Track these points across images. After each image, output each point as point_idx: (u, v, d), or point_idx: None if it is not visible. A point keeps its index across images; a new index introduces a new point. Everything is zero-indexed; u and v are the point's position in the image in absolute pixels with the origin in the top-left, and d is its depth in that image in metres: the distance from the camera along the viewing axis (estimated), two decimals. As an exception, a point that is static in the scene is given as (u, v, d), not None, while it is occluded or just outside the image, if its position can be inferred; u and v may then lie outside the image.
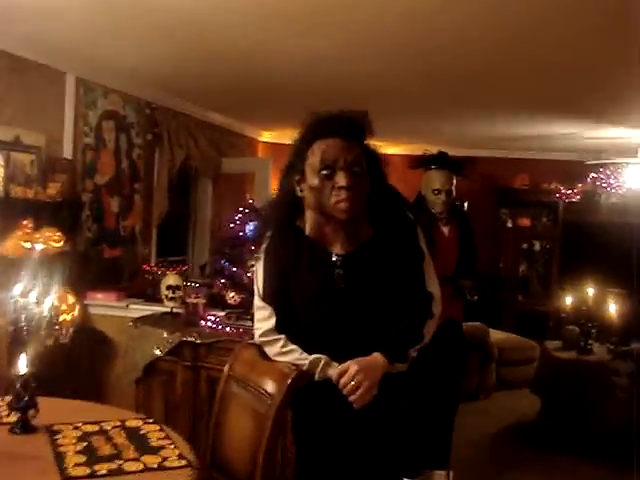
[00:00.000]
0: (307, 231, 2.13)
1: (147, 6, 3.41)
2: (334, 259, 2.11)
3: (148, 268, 4.59)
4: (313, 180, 2.03)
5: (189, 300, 4.07)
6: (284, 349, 2.15)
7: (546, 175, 8.45)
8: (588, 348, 5.04)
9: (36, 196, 3.99)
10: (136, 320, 4.09)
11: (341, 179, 1.98)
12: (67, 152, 4.57)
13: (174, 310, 4.19)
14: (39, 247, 4.01)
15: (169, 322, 4.06)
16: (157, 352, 3.86)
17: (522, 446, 4.99)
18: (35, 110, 4.28)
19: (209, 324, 3.89)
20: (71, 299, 4.25)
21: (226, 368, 2.38)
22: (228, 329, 3.80)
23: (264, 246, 2.21)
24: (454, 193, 3.90)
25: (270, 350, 2.18)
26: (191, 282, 4.23)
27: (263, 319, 2.20)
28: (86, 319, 4.47)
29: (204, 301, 4.08)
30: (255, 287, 2.25)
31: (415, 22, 3.49)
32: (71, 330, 4.11)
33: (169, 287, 4.15)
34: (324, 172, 2.00)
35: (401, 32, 3.68)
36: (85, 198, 4.78)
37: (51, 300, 3.88)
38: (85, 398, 4.35)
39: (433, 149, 4.03)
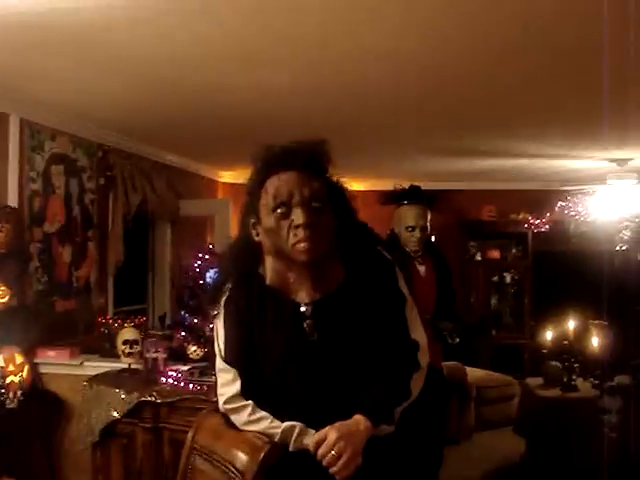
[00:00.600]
0: (267, 280, 1.87)
1: (87, 41, 3.16)
2: (302, 309, 1.85)
3: (103, 321, 4.26)
4: (268, 221, 1.78)
5: (148, 355, 3.76)
6: (252, 417, 1.86)
7: (513, 205, 8.33)
8: (572, 385, 4.83)
9: (-24, 249, 3.67)
10: (91, 379, 3.77)
11: (298, 216, 1.73)
12: (12, 199, 4.25)
13: (132, 366, 3.86)
14: (-18, 304, 3.70)
15: (127, 380, 3.74)
16: (114, 414, 3.55)
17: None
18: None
19: (170, 381, 3.58)
20: (19, 359, 3.94)
21: (188, 439, 2.08)
22: (191, 386, 3.49)
23: (223, 299, 1.94)
24: (429, 229, 3.65)
25: (237, 419, 1.89)
26: (149, 335, 3.92)
27: (226, 383, 1.91)
28: (37, 380, 4.12)
29: (164, 356, 3.79)
30: (216, 346, 1.97)
31: (372, 53, 3.33)
32: (19, 393, 3.78)
33: (126, 342, 3.82)
34: (279, 211, 1.76)
35: (357, 66, 3.55)
36: (33, 248, 4.45)
37: (-5, 362, 3.58)
38: (38, 466, 4.03)
39: (404, 183, 3.78)
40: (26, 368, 3.93)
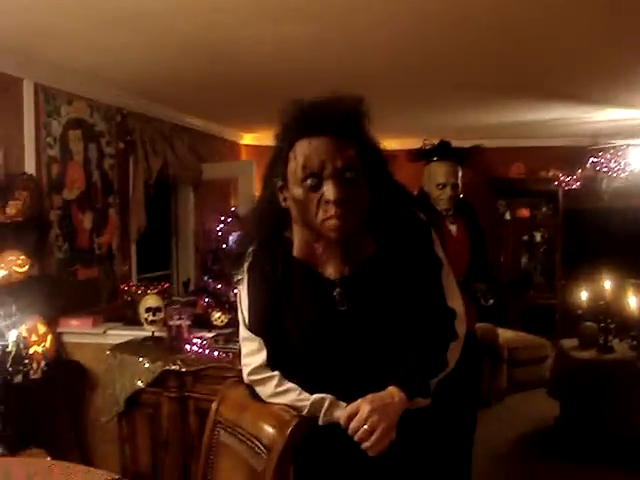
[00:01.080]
0: (294, 251, 1.74)
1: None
2: (331, 278, 1.72)
3: (126, 288, 4.16)
4: (296, 191, 1.63)
5: (172, 323, 3.67)
6: (279, 389, 1.74)
7: (543, 163, 8.06)
8: (609, 346, 4.67)
9: (-7, 217, 3.58)
10: (114, 348, 3.69)
11: (330, 191, 1.58)
12: (29, 166, 4.14)
13: (156, 334, 3.77)
14: (1, 274, 3.62)
15: (151, 348, 3.65)
16: (139, 383, 3.47)
17: (542, 455, 4.60)
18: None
19: (195, 348, 3.48)
20: (42, 329, 3.87)
21: (212, 412, 1.98)
22: (216, 353, 3.40)
23: (247, 264, 1.81)
24: (460, 186, 3.48)
25: (262, 391, 1.78)
26: (173, 302, 3.82)
27: (251, 353, 1.80)
28: (60, 349, 4.06)
29: (188, 323, 3.69)
30: (239, 314, 1.85)
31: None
32: (43, 363, 3.71)
33: (148, 309, 3.72)
34: (308, 182, 1.60)
35: (393, 16, 3.33)
36: (53, 216, 4.36)
37: (17, 333, 3.50)
38: (64, 436, 3.99)
39: (434, 139, 3.60)
40: (49, 338, 3.86)
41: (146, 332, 3.82)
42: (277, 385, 1.75)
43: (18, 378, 3.50)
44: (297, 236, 1.73)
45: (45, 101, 4.34)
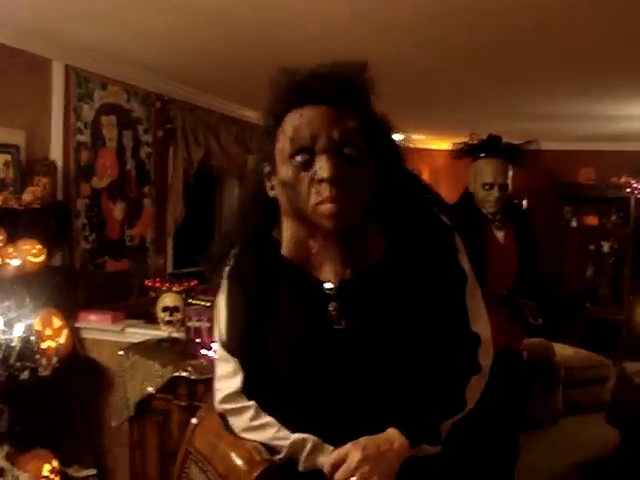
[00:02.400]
0: (283, 249, 1.42)
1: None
2: (327, 286, 1.39)
3: (150, 284, 3.91)
4: (284, 172, 1.33)
5: (190, 324, 3.39)
6: (255, 422, 1.43)
7: (615, 168, 7.53)
8: (677, 373, 4.20)
9: (7, 203, 3.36)
10: (128, 348, 3.45)
11: (322, 167, 1.27)
12: (56, 152, 3.94)
13: (173, 336, 3.51)
14: (15, 263, 3.41)
15: (165, 351, 3.40)
16: (149, 389, 3.21)
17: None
18: (12, 104, 3.66)
19: (211, 354, 3.20)
20: (57, 322, 3.64)
21: (185, 440, 1.68)
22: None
23: (227, 269, 1.51)
24: (510, 187, 3.07)
25: (236, 422, 1.47)
26: (194, 301, 3.54)
27: (225, 377, 1.49)
28: (78, 346, 3.83)
29: (208, 325, 3.40)
30: (216, 329, 1.55)
31: None
32: (55, 359, 3.49)
33: (165, 309, 3.45)
34: (298, 158, 1.30)
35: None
36: (80, 205, 4.15)
37: (23, 326, 3.29)
38: (78, 438, 3.77)
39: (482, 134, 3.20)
40: (64, 332, 3.63)
41: (164, 333, 3.56)
42: (252, 418, 1.44)
43: (25, 375, 3.29)
44: (287, 232, 1.42)
45: (77, 84, 4.13)
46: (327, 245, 1.38)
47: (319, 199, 1.28)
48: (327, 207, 1.27)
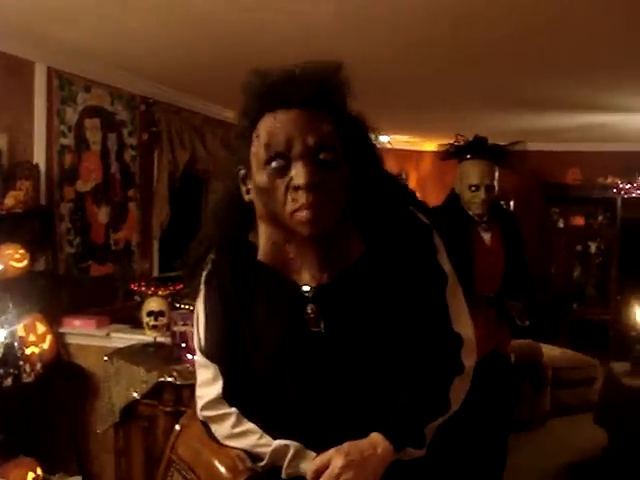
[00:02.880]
0: (260, 254, 1.40)
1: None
2: (305, 289, 1.37)
3: (135, 288, 3.87)
4: (259, 178, 1.31)
5: (175, 328, 3.36)
6: (236, 429, 1.41)
7: (601, 169, 7.56)
8: (665, 373, 4.20)
9: (-13, 208, 3.33)
10: (112, 354, 3.41)
11: (299, 174, 1.26)
12: (39, 155, 3.90)
13: (158, 340, 3.48)
14: (-3, 268, 3.37)
15: (150, 356, 3.37)
16: (134, 394, 3.17)
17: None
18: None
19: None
20: (41, 328, 3.61)
21: (168, 447, 1.67)
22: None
23: (204, 274, 1.49)
24: (496, 189, 3.06)
25: (218, 430, 1.44)
26: (180, 305, 3.51)
27: (206, 383, 1.47)
28: (62, 351, 3.79)
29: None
30: (195, 335, 1.53)
31: None
32: (39, 365, 3.45)
33: (150, 313, 3.42)
34: (273, 165, 1.28)
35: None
36: (64, 209, 4.11)
37: (6, 332, 3.26)
38: (63, 445, 3.72)
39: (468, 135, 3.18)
40: (48, 338, 3.60)
41: (149, 337, 3.53)
42: (234, 425, 1.42)
43: (8, 382, 3.26)
44: (263, 236, 1.40)
45: (60, 87, 4.09)
46: (304, 250, 1.36)
47: (295, 206, 1.27)
48: (303, 214, 1.26)
